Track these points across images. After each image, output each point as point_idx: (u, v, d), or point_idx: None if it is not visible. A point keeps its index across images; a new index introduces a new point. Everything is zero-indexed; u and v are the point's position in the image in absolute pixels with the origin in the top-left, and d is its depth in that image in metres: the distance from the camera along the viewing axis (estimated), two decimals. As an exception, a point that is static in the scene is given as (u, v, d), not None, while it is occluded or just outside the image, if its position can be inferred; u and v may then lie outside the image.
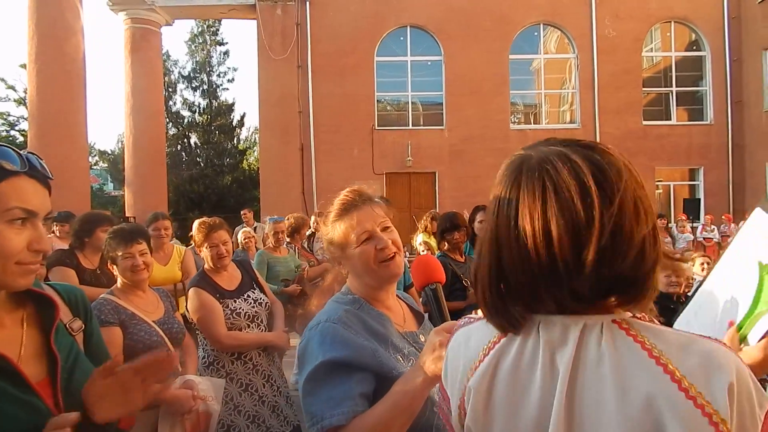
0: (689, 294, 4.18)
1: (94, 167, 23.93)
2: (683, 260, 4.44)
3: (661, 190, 15.65)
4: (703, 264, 4.76)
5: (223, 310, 2.56)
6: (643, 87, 15.42)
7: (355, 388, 1.12)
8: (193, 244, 2.99)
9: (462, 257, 3.46)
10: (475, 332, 0.78)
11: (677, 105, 15.67)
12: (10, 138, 21.77)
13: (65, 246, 3.55)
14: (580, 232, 0.62)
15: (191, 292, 2.61)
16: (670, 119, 15.45)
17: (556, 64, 15.97)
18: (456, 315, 1.03)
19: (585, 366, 0.62)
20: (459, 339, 0.80)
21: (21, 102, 21.06)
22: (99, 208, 16.94)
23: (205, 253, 2.72)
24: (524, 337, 0.68)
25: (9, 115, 22.53)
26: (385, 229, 1.29)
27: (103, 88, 49.03)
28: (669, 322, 3.16)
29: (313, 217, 6.12)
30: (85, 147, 12.07)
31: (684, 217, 11.95)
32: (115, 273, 2.24)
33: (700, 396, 0.55)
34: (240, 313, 2.62)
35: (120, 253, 2.21)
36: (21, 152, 0.94)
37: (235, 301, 2.64)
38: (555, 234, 0.63)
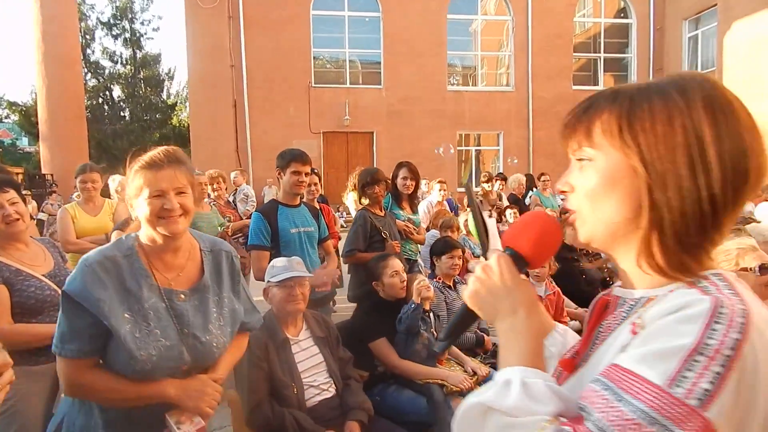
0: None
1: (5, 120, 22.00)
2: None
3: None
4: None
5: None
6: (574, 52, 15.89)
7: (86, 330, 1.33)
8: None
9: (382, 211, 3.52)
10: (756, 302, 0.59)
11: (604, 71, 16.32)
12: None
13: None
14: None
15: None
16: (598, 84, 16.08)
17: (495, 27, 16.09)
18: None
19: None
20: (764, 330, 0.56)
21: None
22: (11, 165, 15.64)
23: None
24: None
25: None
26: (179, 193, 1.42)
27: (13, 33, 44.33)
28: (572, 274, 3.37)
29: (234, 173, 5.98)
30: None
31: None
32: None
33: None
34: None
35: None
36: None
37: None
38: None
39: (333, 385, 2.25)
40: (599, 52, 16.26)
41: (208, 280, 1.53)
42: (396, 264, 2.72)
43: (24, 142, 22.96)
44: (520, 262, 0.75)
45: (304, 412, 2.10)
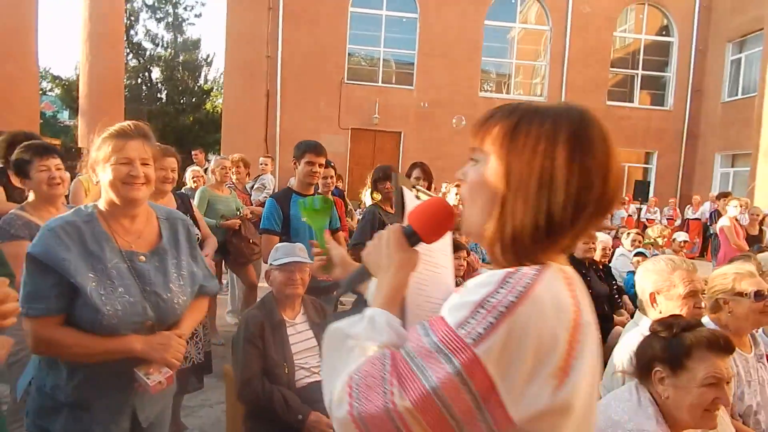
0: (608, 263, 4.48)
1: (49, 93, 22.73)
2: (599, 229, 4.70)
3: (617, 171, 16.17)
4: (634, 241, 5.06)
5: None
6: (611, 67, 15.64)
7: (52, 289, 1.41)
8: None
9: (392, 208, 3.57)
10: (558, 290, 0.74)
11: (641, 88, 16.00)
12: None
13: None
14: None
15: None
16: (633, 101, 15.79)
17: (533, 35, 15.94)
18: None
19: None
20: (538, 306, 0.70)
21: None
22: (50, 137, 16.18)
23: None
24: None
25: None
26: (144, 164, 1.54)
27: (63, 12, 45.86)
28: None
29: (262, 159, 6.12)
30: (35, 70, 11.42)
31: (628, 198, 12.48)
32: (26, 188, 2.23)
33: None
34: None
35: (35, 165, 2.17)
36: None
37: None
38: None
39: (324, 370, 2.32)
40: (637, 69, 15.95)
41: (166, 244, 1.64)
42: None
43: (64, 116, 23.71)
44: (414, 236, 0.90)
45: (294, 392, 2.17)
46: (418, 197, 1.04)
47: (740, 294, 1.94)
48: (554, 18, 15.07)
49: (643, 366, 1.47)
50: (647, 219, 11.05)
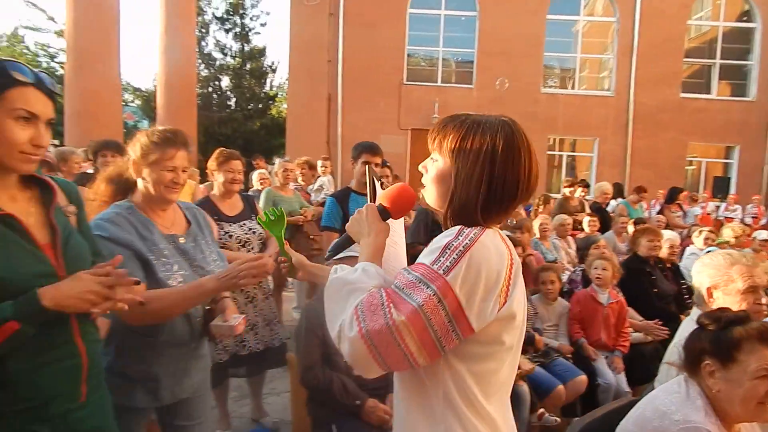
0: (678, 263, 4.29)
1: (131, 104, 24.42)
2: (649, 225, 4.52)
3: (694, 166, 15.24)
4: (707, 239, 4.82)
5: (219, 232, 2.83)
6: (686, 57, 14.76)
7: (129, 263, 1.56)
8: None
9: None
10: (497, 241, 1.08)
11: (720, 78, 14.99)
12: (51, 69, 22.29)
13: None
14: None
15: None
16: (710, 93, 14.83)
17: (600, 28, 15.36)
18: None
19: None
20: (489, 250, 1.04)
21: (60, 34, 21.44)
22: (131, 144, 17.41)
23: (218, 177, 3.00)
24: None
25: (49, 46, 23.02)
26: (184, 170, 1.79)
27: (140, 26, 49.15)
28: (642, 286, 3.28)
29: (320, 162, 6.34)
30: (118, 83, 12.36)
31: (707, 195, 11.74)
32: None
33: None
34: (232, 236, 2.91)
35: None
36: (33, 69, 1.24)
37: (230, 225, 2.94)
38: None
39: (380, 360, 2.43)
40: (715, 58, 14.95)
41: (195, 228, 1.88)
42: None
43: (144, 125, 25.46)
44: (384, 212, 1.22)
45: (352, 379, 2.29)
46: (382, 186, 1.37)
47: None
48: (621, 9, 14.44)
49: (692, 359, 1.46)
50: (725, 217, 10.36)
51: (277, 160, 4.63)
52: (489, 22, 14.48)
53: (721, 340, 1.40)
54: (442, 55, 15.09)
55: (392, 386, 2.46)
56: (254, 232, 3.05)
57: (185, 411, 1.89)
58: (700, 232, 4.65)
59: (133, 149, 1.77)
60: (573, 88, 15.49)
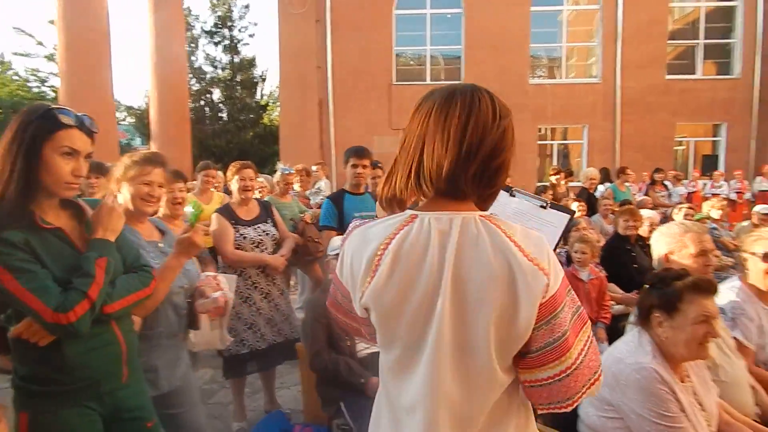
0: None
1: (122, 122, 24.62)
2: (641, 207, 4.72)
3: (683, 147, 15.46)
4: (687, 215, 5.05)
5: (235, 235, 3.09)
6: (670, 39, 14.99)
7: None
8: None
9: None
10: (372, 231, 1.04)
11: (704, 58, 15.21)
12: (42, 94, 22.51)
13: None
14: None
15: (213, 216, 3.29)
16: (695, 73, 15.06)
17: (584, 16, 15.56)
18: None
19: (465, 243, 0.95)
20: (356, 239, 1.05)
21: (50, 58, 21.66)
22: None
23: (233, 185, 3.27)
24: (419, 228, 0.99)
25: (38, 71, 23.27)
26: (160, 186, 2.08)
27: (129, 44, 49.41)
28: (623, 262, 3.52)
29: (314, 167, 6.59)
30: (112, 103, 12.57)
31: (697, 173, 11.99)
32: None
33: (536, 260, 0.93)
34: (246, 237, 3.17)
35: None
36: (76, 113, 1.51)
37: (245, 228, 3.20)
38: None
39: (381, 342, 2.65)
40: (698, 39, 15.17)
41: (168, 237, 2.16)
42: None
43: (138, 142, 25.67)
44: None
45: (356, 361, 2.52)
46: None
47: (753, 254, 2.08)
48: (604, -6, 14.65)
49: (644, 314, 1.69)
50: (713, 194, 10.61)
51: (279, 169, 4.90)
52: (474, 17, 14.69)
53: (666, 295, 1.63)
54: (430, 54, 15.30)
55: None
56: (267, 234, 3.32)
57: (177, 399, 2.12)
58: (680, 209, 4.87)
59: (117, 169, 2.09)
60: (561, 77, 15.71)
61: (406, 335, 1.00)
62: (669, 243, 2.05)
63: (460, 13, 14.89)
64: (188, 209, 2.16)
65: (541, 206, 1.25)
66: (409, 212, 1.03)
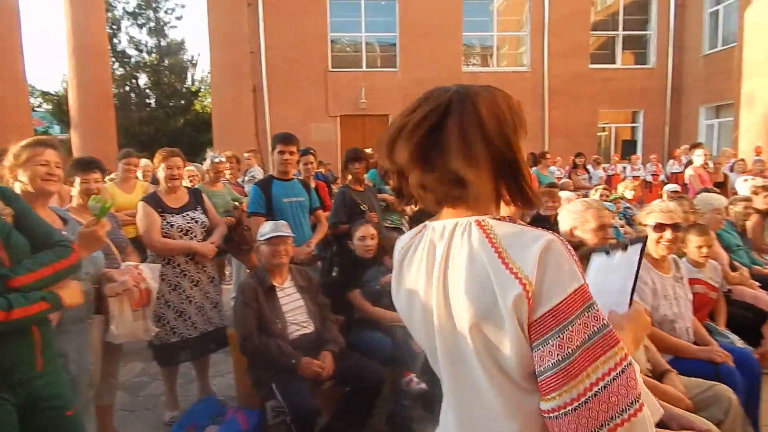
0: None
1: (38, 109, 22.97)
2: (563, 189, 5.00)
3: (606, 132, 16.41)
4: (602, 196, 5.43)
5: (162, 223, 3.00)
6: (592, 30, 15.78)
7: None
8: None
9: (362, 186, 3.99)
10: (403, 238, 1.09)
11: (624, 49, 16.15)
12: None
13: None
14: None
15: (139, 205, 3.16)
16: (615, 63, 15.97)
17: (515, 5, 16.03)
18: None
19: (452, 251, 0.93)
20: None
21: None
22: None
23: (160, 173, 3.16)
24: (420, 238, 1.02)
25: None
26: (58, 166, 2.06)
27: (45, 26, 45.85)
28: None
29: (246, 154, 6.47)
30: (25, 87, 11.70)
31: (617, 157, 12.80)
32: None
33: (514, 265, 0.84)
34: (174, 225, 3.09)
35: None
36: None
37: (173, 216, 3.11)
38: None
39: (312, 324, 2.71)
40: (618, 30, 16.07)
41: (71, 224, 2.17)
42: (365, 230, 3.20)
43: (56, 130, 24.00)
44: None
45: (287, 343, 2.56)
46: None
47: (645, 225, 2.31)
48: (531, -15, 15.17)
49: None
50: (633, 176, 11.40)
51: (208, 156, 4.75)
52: (408, 5, 14.79)
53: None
54: (365, 40, 15.27)
55: (326, 345, 2.74)
56: (197, 222, 3.23)
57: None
58: (596, 190, 5.23)
59: (6, 158, 2.02)
60: (493, 65, 16.16)
61: (425, 341, 1.02)
62: (573, 219, 2.23)
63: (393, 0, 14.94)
64: (92, 203, 2.09)
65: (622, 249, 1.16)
66: (425, 223, 1.04)
